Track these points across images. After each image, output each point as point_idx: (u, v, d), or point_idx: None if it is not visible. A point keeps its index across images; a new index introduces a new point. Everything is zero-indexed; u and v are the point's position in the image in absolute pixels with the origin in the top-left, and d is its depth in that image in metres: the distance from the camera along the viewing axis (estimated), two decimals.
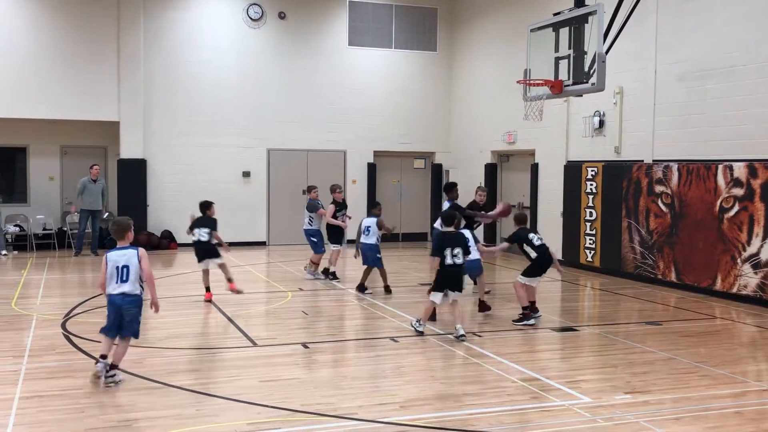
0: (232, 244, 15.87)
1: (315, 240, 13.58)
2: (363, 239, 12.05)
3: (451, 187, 12.38)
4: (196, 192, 17.59)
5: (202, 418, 6.05)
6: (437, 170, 20.72)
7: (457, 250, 8.78)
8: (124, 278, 6.95)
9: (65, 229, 18.03)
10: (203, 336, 9.53)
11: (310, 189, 14.11)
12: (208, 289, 11.34)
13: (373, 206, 13.00)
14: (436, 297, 8.89)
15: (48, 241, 17.81)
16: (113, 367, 6.95)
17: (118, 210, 17.94)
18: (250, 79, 19.01)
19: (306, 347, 8.44)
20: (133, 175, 17.92)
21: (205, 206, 11.55)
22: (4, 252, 16.68)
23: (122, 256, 6.99)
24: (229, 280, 11.55)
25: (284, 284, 13.20)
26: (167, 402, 6.47)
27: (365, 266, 12.14)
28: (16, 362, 7.68)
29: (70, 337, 8.80)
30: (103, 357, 6.93)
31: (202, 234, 11.28)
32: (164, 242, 18.08)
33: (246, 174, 19.01)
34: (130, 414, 6.12)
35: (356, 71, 19.89)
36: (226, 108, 18.78)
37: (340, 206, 13.70)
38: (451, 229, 9.05)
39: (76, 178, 17.42)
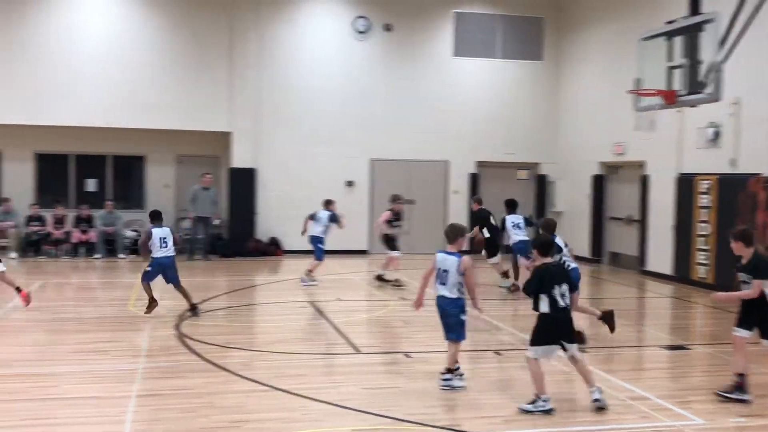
0: (333, 253, 16.19)
1: (322, 247, 14.16)
2: None
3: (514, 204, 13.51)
4: (301, 201, 17.98)
5: (308, 422, 6.18)
6: (541, 181, 20.43)
7: (564, 288, 6.58)
8: (443, 282, 7.16)
9: (179, 234, 18.77)
10: (308, 341, 9.72)
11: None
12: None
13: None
14: (540, 352, 6.61)
15: None
16: (449, 371, 7.17)
17: (230, 217, 18.58)
18: (355, 89, 19.32)
19: (408, 356, 8.48)
20: (243, 184, 18.50)
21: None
22: (121, 255, 17.55)
23: (445, 260, 7.17)
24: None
25: (385, 293, 13.30)
26: (274, 405, 6.64)
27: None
28: (133, 361, 8.05)
29: (183, 338, 9.15)
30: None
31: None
32: (271, 249, 18.55)
33: (349, 183, 19.29)
34: (238, 415, 6.32)
35: (460, 81, 19.88)
36: (332, 118, 19.14)
37: (397, 217, 14.15)
38: (550, 259, 6.85)
39: (190, 186, 18.14)
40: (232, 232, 18.63)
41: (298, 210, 17.90)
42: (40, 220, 17.62)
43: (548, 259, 6.77)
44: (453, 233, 7.29)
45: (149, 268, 10.46)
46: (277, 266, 17.20)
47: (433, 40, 19.74)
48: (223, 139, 18.78)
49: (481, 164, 20.12)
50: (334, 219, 14.36)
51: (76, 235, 17.55)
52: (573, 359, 6.62)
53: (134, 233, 18.35)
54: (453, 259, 7.11)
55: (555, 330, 6.53)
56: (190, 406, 6.50)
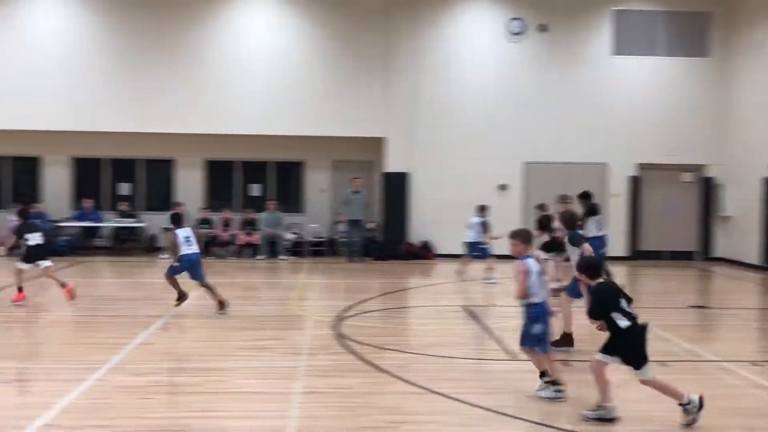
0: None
1: (482, 247, 14.78)
2: None
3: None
4: (453, 204, 18.04)
5: (466, 427, 6.16)
6: (708, 184, 19.30)
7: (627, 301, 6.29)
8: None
9: (334, 237, 19.34)
10: (464, 346, 9.68)
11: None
12: None
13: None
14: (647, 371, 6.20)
15: (320, 248, 19.22)
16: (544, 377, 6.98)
17: (385, 221, 18.90)
18: (508, 92, 19.11)
19: (567, 365, 8.26)
20: (397, 188, 18.77)
21: None
22: (282, 257, 18.30)
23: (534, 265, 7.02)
24: None
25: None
26: (432, 408, 6.67)
27: None
28: (295, 359, 8.35)
29: (342, 338, 9.39)
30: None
31: None
32: (423, 252, 18.70)
33: (502, 187, 19.10)
34: (396, 416, 6.39)
35: (620, 81, 19.18)
36: (485, 121, 19.03)
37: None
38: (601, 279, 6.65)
39: (345, 191, 18.64)
40: (386, 235, 18.94)
41: (451, 214, 18.02)
42: (208, 222, 18.71)
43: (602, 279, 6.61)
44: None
45: (176, 264, 10.91)
46: (430, 270, 17.31)
47: (590, 39, 19.18)
48: (377, 144, 19.15)
49: (642, 167, 19.30)
50: (485, 227, 14.27)
51: (242, 237, 18.50)
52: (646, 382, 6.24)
53: (294, 236, 19.08)
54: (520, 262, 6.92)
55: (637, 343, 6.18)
56: (350, 405, 6.65)
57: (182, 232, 11.03)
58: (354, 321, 10.63)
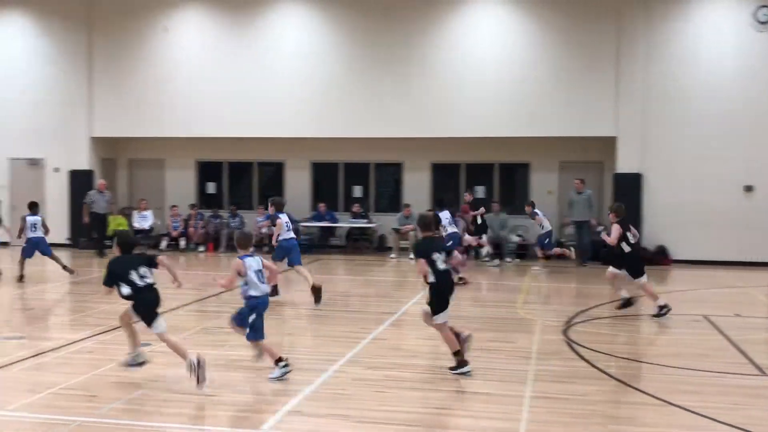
0: (729, 264, 14.92)
1: None
2: None
3: None
4: (692, 207, 16.99)
5: None
6: None
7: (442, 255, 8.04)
8: None
9: (562, 240, 18.91)
10: (704, 357, 9.07)
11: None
12: None
13: None
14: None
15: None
16: None
17: None
18: (755, 85, 17.61)
19: None
20: (629, 190, 17.95)
21: None
22: (508, 259, 18.24)
23: None
24: None
25: None
26: (672, 421, 6.34)
27: None
28: (524, 363, 8.30)
29: (572, 344, 9.19)
30: None
31: None
32: (658, 257, 17.72)
33: (748, 188, 17.62)
34: (633, 428, 6.18)
35: None
36: (728, 118, 17.67)
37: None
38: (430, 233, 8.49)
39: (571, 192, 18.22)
40: None
41: (689, 217, 16.97)
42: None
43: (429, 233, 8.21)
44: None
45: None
46: (666, 276, 16.38)
47: None
48: (607, 144, 18.48)
49: None
50: None
51: (467, 239, 18.62)
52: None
53: (519, 238, 18.95)
54: None
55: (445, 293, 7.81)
56: (582, 413, 6.50)
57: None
58: (584, 327, 10.36)
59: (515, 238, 18.92)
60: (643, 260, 11.58)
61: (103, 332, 9.69)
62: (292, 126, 19.64)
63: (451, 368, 7.65)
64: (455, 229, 14.69)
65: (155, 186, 21.60)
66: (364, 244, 20.04)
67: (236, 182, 21.74)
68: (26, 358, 8.26)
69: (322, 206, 20.15)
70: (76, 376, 7.55)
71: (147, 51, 20.40)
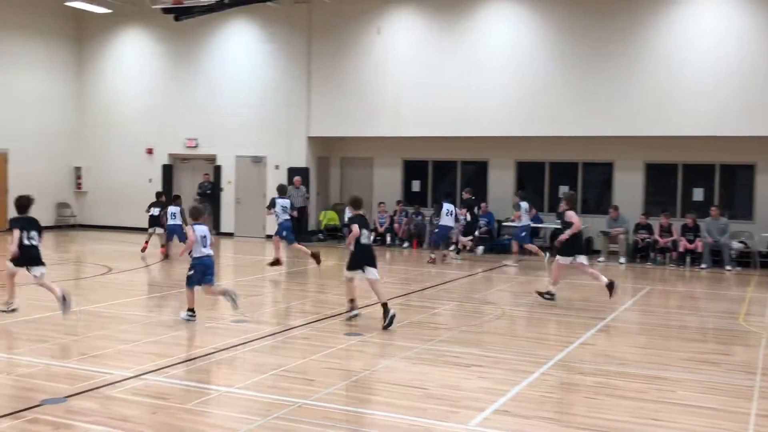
0: None
1: None
2: None
3: None
4: None
5: None
6: None
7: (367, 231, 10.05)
8: None
9: None
10: None
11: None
12: None
13: None
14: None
15: None
16: None
17: None
18: None
19: None
20: None
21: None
22: (728, 267, 16.98)
23: None
24: None
25: None
26: None
27: None
28: (749, 378, 7.71)
29: None
30: None
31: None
32: None
33: None
34: None
35: None
36: None
37: None
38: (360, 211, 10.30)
39: None
40: None
41: None
42: (647, 228, 18.21)
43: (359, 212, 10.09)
44: None
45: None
46: None
47: None
48: None
49: None
50: None
51: (683, 244, 17.59)
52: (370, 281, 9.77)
53: (741, 245, 17.61)
54: None
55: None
56: None
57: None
58: None
59: (737, 245, 17.58)
60: None
61: (318, 320, 10.25)
62: (499, 125, 19.62)
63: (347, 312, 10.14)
64: (448, 223, 17.30)
65: (364, 183, 22.47)
66: None
67: (440, 180, 22.07)
68: (251, 341, 8.92)
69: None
70: (294, 360, 8.05)
71: (360, 54, 21.26)
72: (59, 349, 8.48)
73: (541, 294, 11.96)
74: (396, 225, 20.87)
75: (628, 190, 19.47)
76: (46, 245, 12.81)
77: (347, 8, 21.24)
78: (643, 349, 9.26)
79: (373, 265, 9.93)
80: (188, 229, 10.11)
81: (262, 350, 8.59)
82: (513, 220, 18.11)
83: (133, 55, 24.29)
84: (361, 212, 10.20)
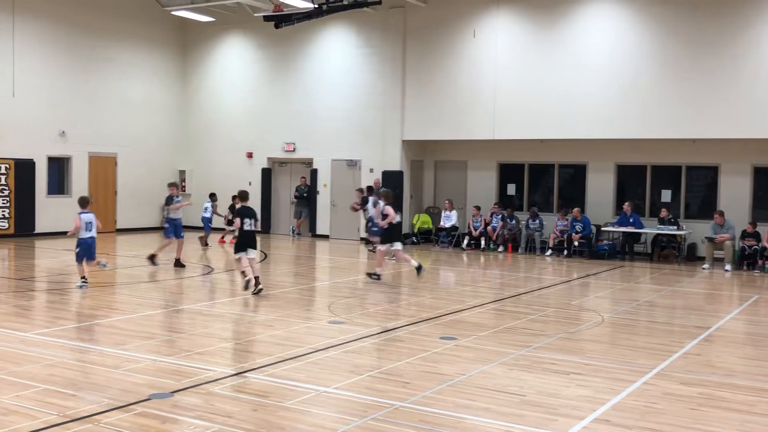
0: None
1: None
2: None
3: None
4: None
5: None
6: None
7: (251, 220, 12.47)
8: None
9: None
10: None
11: None
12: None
13: None
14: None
15: None
16: None
17: None
18: None
19: None
20: None
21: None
22: None
23: None
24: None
25: None
26: None
27: None
28: None
29: None
30: None
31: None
32: None
33: None
34: None
35: None
36: None
37: None
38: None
39: None
40: None
41: None
42: (755, 236, 17.42)
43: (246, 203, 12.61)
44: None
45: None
46: None
47: None
48: None
49: None
50: None
51: None
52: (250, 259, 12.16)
53: None
54: None
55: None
56: None
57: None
58: None
59: None
60: None
61: (413, 323, 10.29)
62: (599, 127, 19.20)
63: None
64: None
65: (458, 187, 22.40)
66: (671, 252, 18.89)
67: (536, 184, 21.76)
68: (347, 342, 9.04)
69: (626, 206, 19.23)
70: (390, 362, 8.11)
71: (454, 57, 21.21)
72: (165, 345, 8.83)
73: (369, 275, 14.27)
74: (490, 228, 20.69)
75: (734, 194, 18.69)
76: (151, 247, 13.47)
77: (442, 12, 21.24)
78: (751, 360, 8.87)
79: (254, 247, 12.41)
80: (75, 217, 12.58)
81: (359, 351, 8.69)
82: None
83: (234, 62, 25.05)
84: (247, 204, 12.63)
